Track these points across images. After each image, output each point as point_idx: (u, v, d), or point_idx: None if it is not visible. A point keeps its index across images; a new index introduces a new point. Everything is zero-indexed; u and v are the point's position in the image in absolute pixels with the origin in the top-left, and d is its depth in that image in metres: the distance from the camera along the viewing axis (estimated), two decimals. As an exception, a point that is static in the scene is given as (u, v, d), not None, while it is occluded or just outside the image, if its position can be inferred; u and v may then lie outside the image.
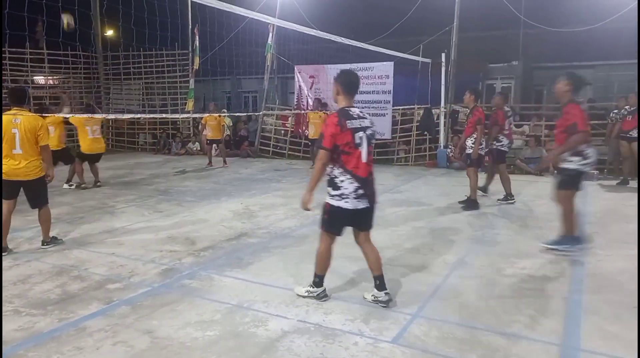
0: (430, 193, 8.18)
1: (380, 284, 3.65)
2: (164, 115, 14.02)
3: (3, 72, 13.15)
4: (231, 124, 14.65)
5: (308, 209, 3.60)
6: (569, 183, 4.76)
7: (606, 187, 8.74)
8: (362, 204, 3.51)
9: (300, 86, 13.43)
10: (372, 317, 3.47)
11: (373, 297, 3.67)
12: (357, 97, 13.51)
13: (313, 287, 3.78)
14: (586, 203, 7.23)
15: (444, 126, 11.55)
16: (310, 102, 13.05)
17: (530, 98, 16.40)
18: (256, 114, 13.69)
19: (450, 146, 11.09)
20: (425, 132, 11.82)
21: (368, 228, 3.70)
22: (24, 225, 5.91)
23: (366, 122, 3.55)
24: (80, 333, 3.25)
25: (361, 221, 3.64)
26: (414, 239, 5.46)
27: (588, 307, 3.63)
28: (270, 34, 13.38)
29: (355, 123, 3.47)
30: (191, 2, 10.95)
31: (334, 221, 3.62)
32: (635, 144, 8.71)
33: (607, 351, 2.99)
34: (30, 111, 5.12)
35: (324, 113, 10.74)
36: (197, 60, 14.22)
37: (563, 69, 16.88)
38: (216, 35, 12.91)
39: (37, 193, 4.98)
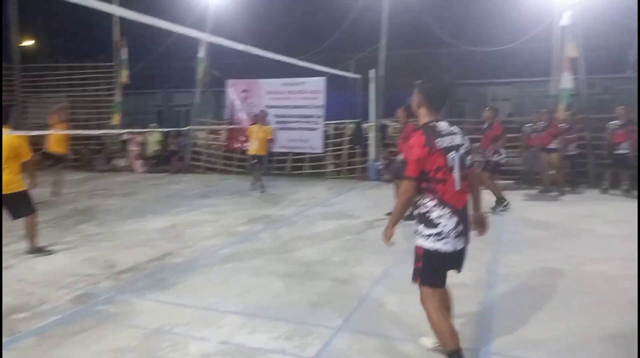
0: (360, 205, 8.33)
1: None
2: (89, 132, 13.33)
3: None
4: (160, 139, 14.19)
5: (391, 243, 2.96)
6: None
7: (522, 196, 9.31)
8: (461, 244, 2.84)
9: (233, 100, 13.29)
10: (296, 334, 3.45)
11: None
12: (289, 111, 13.41)
13: None
14: (502, 212, 7.67)
15: (375, 140, 11.85)
16: (244, 117, 12.95)
17: (454, 113, 17.28)
18: (185, 129, 13.36)
19: (380, 160, 11.39)
20: (356, 146, 12.08)
21: (459, 270, 3.00)
22: None
23: (457, 139, 2.85)
24: (-25, 370, 2.97)
25: (458, 263, 2.94)
26: (343, 252, 5.52)
27: (501, 312, 3.83)
28: (202, 48, 13.19)
29: (446, 141, 2.79)
30: (118, 15, 10.56)
31: (433, 269, 2.85)
32: (556, 155, 9.35)
33: (520, 354, 3.16)
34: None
35: (267, 127, 10.27)
36: (125, 73, 13.74)
37: (482, 86, 18.02)
38: (146, 49, 12.56)
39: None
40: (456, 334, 2.84)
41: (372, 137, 11.76)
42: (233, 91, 13.27)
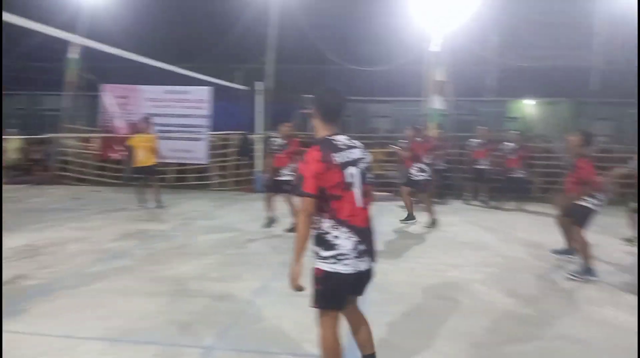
0: (244, 218, 8.20)
1: None
2: None
3: None
4: (21, 146, 12.69)
5: (300, 289, 2.61)
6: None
7: (396, 207, 9.90)
8: (364, 265, 2.66)
9: (107, 106, 12.38)
10: (164, 356, 3.24)
11: None
12: (171, 120, 12.72)
13: None
14: (380, 224, 8.06)
15: (262, 152, 11.83)
16: (122, 124, 12.12)
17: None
18: (52, 135, 12.13)
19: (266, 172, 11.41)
20: (243, 158, 11.96)
21: (363, 293, 2.82)
22: None
23: (357, 153, 2.71)
24: None
25: (361, 285, 2.76)
26: (222, 267, 5.37)
27: (373, 319, 3.98)
28: (74, 49, 12.14)
29: (344, 156, 2.64)
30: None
31: (332, 292, 2.64)
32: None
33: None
34: None
35: (152, 136, 9.34)
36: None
37: (365, 103, 18.97)
38: (9, 46, 11.21)
39: None
40: None
41: (258, 149, 11.72)
42: (109, 97, 12.37)
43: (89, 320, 3.79)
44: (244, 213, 8.73)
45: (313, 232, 2.63)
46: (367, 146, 2.92)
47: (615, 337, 3.75)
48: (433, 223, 7.69)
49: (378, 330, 3.74)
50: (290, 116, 16.27)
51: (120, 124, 12.10)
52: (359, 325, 2.87)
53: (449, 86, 12.03)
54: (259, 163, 11.69)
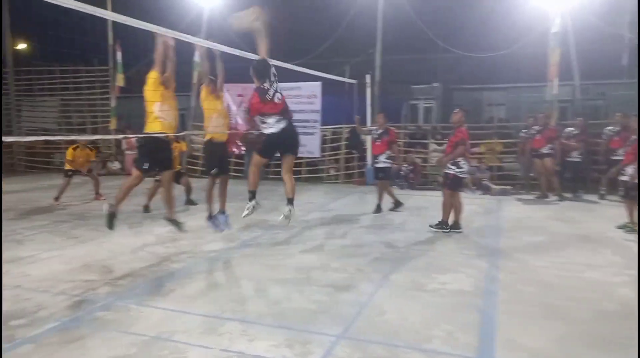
0: (357, 210, 8.32)
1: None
2: (84, 137, 13.24)
3: None
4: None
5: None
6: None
7: (521, 201, 9.36)
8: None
9: (228, 104, 13.26)
10: (296, 342, 3.43)
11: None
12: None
13: None
14: (499, 218, 7.70)
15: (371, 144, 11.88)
16: (239, 121, 12.93)
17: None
18: (181, 134, 13.28)
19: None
20: (354, 151, 12.10)
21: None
22: None
23: None
24: (-28, 379, 2.93)
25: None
26: (341, 258, 5.51)
27: (501, 320, 3.83)
28: (197, 52, 13.15)
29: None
30: (111, 20, 10.51)
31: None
32: (548, 160, 9.43)
33: (518, 361, 3.16)
34: None
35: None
36: (120, 77, 13.68)
37: (478, 91, 18.08)
38: (140, 52, 12.53)
39: None
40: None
41: (368, 141, 11.77)
42: (229, 96, 13.24)
43: (226, 303, 4.13)
44: (357, 206, 8.86)
45: None
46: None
47: None
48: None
49: (507, 330, 3.60)
50: (399, 108, 16.18)
51: (240, 121, 12.92)
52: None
53: (575, 69, 11.01)
54: (369, 156, 11.75)
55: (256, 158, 5.30)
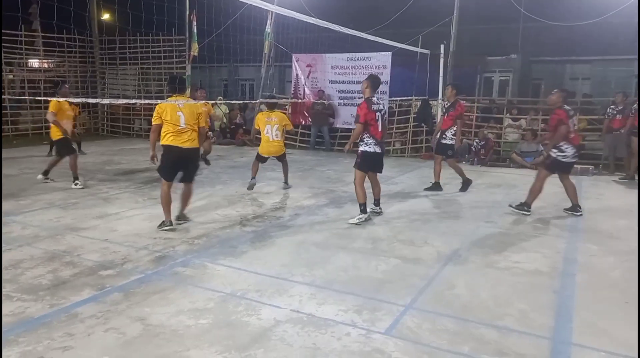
0: (425, 184, 8.16)
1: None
2: (159, 101, 13.89)
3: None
4: (227, 111, 14.57)
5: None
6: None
7: (602, 182, 8.77)
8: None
9: (297, 74, 13.34)
10: (364, 308, 3.47)
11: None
12: (352, 87, 13.26)
13: None
14: (580, 198, 7.25)
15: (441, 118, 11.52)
16: (307, 91, 12.99)
17: (527, 92, 16.38)
18: (253, 102, 13.59)
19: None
20: (423, 124, 11.79)
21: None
22: (16, 209, 5.87)
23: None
24: (71, 319, 3.24)
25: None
26: (408, 231, 5.47)
27: (579, 302, 3.65)
28: (269, 22, 13.25)
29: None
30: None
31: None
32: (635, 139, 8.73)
33: (597, 346, 3.01)
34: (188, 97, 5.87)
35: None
36: (194, 46, 14.09)
37: (561, 64, 16.89)
38: (214, 22, 12.78)
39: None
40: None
41: (439, 115, 11.42)
42: (298, 66, 13.29)
43: (296, 267, 4.25)
44: (424, 180, 8.68)
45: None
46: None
47: None
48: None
49: (585, 314, 3.43)
50: (472, 80, 15.47)
51: (306, 91, 12.97)
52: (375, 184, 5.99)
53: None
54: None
55: (359, 174, 5.80)
